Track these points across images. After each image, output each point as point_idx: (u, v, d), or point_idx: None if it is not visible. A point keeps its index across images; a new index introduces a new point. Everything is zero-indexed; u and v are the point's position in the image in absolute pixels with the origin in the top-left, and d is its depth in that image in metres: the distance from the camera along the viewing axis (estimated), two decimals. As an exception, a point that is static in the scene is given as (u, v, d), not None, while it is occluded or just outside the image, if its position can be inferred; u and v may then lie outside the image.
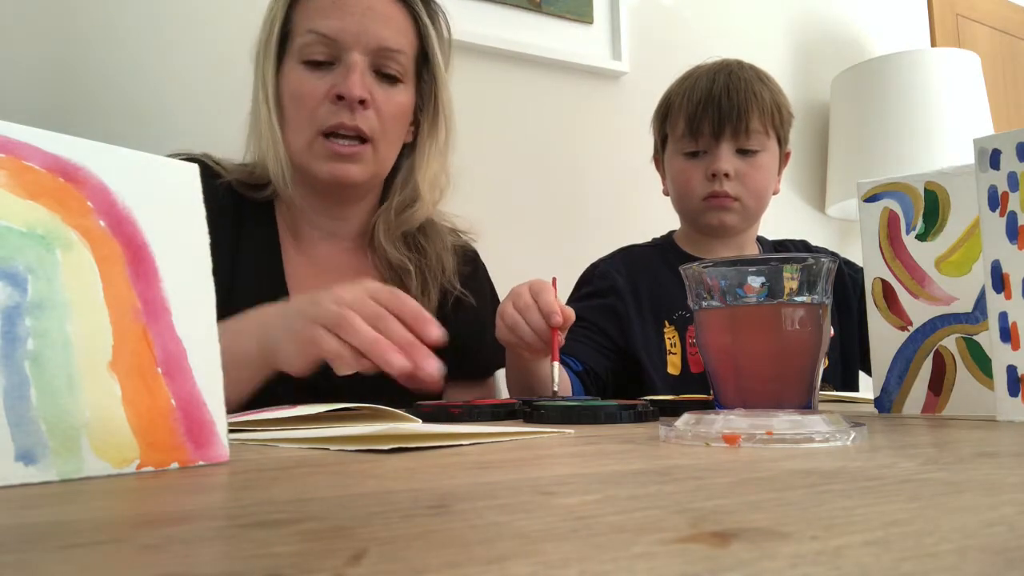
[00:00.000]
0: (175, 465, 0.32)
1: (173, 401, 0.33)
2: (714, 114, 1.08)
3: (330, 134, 0.86)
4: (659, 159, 1.22)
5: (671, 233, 1.24)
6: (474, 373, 1.01)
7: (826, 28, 2.17)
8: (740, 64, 1.13)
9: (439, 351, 0.95)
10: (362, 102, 0.85)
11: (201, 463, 0.33)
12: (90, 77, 1.19)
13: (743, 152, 1.09)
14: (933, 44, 2.40)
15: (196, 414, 0.34)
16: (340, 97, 0.85)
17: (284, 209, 0.96)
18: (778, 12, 2.08)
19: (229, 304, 0.85)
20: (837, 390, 1.09)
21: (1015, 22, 2.73)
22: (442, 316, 0.95)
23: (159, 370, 0.33)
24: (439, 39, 0.94)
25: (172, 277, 0.34)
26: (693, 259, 1.16)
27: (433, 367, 0.58)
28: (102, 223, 0.32)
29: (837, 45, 2.16)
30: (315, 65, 0.86)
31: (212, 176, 0.90)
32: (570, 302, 1.13)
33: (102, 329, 0.31)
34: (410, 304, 0.61)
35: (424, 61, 0.93)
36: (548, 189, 1.68)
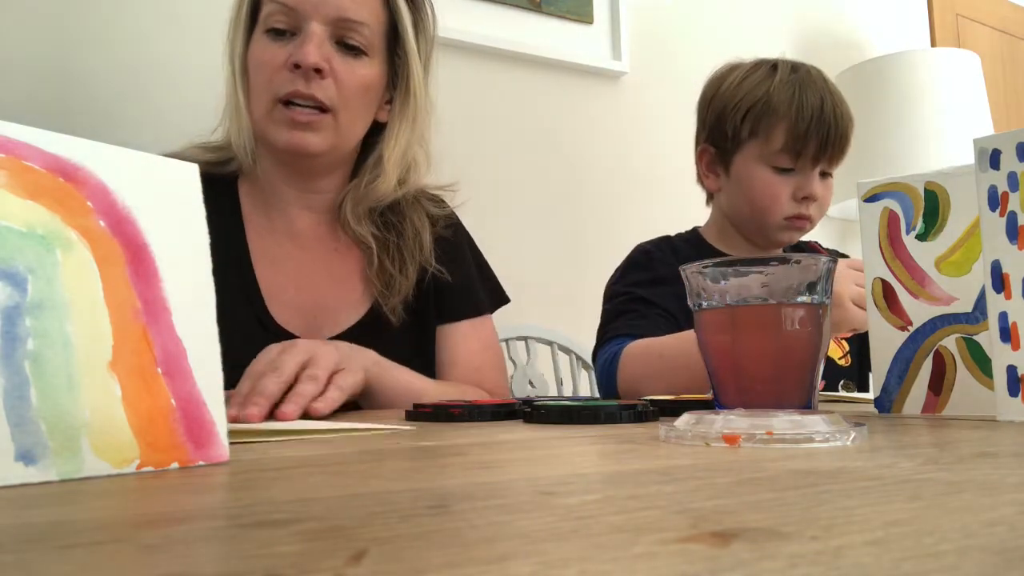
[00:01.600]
0: (175, 465, 0.32)
1: (173, 401, 0.33)
2: (823, 136, 1.04)
3: (288, 102, 0.86)
4: (711, 152, 1.14)
5: (695, 229, 1.22)
6: (464, 314, 1.01)
7: (826, 28, 2.17)
8: (829, 80, 1.09)
9: (428, 304, 0.98)
10: (318, 71, 0.85)
11: (201, 463, 0.33)
12: (89, 77, 1.19)
13: (823, 174, 1.08)
14: (933, 44, 2.40)
15: (196, 414, 0.34)
16: (297, 66, 0.85)
17: (252, 183, 0.96)
18: (778, 12, 2.08)
19: None
20: (860, 389, 1.09)
21: (1015, 22, 2.73)
22: (419, 292, 0.97)
23: (159, 370, 0.33)
24: (414, 18, 0.93)
25: (172, 277, 0.34)
26: (722, 255, 1.15)
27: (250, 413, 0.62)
28: (102, 223, 0.32)
29: (837, 45, 2.16)
30: (277, 34, 0.87)
31: None
32: (628, 286, 1.10)
33: (102, 329, 0.31)
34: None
35: (396, 38, 0.93)
36: (548, 189, 1.68)
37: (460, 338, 1.00)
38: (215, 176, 0.93)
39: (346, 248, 0.97)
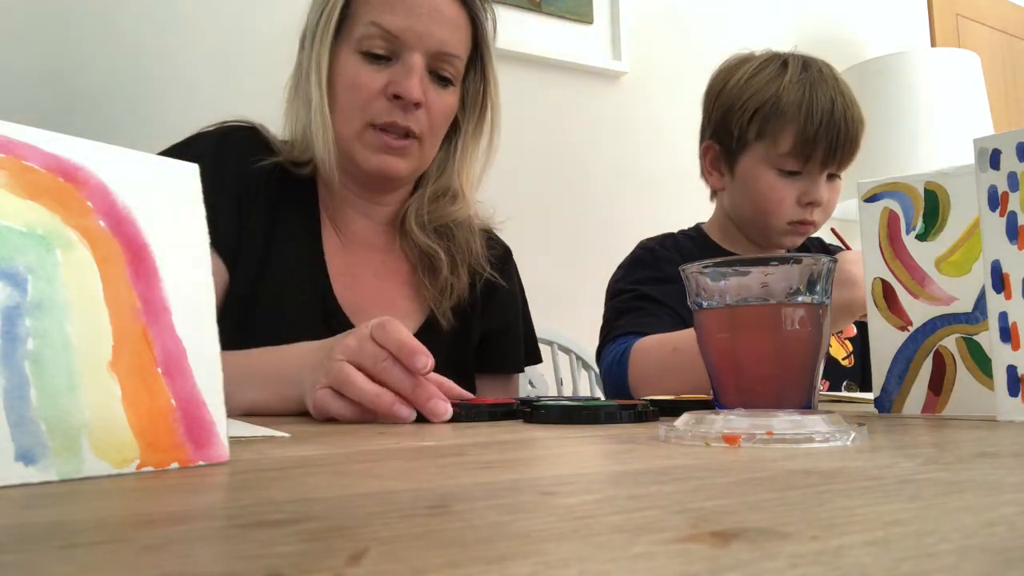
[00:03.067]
0: (175, 465, 0.32)
1: (173, 401, 0.33)
2: (832, 140, 1.01)
3: (380, 128, 0.87)
4: (716, 150, 1.12)
5: (699, 225, 1.21)
6: (501, 368, 1.02)
7: (826, 28, 2.17)
8: (840, 79, 1.06)
9: (469, 347, 0.97)
10: (417, 104, 0.86)
11: (201, 463, 0.33)
12: (90, 77, 1.19)
13: (830, 176, 1.06)
14: (933, 44, 2.40)
15: (196, 414, 0.34)
16: (397, 96, 0.85)
17: (322, 187, 0.96)
18: (778, 12, 2.08)
19: (265, 279, 0.87)
20: (863, 390, 1.08)
21: (1015, 22, 2.73)
22: (472, 300, 0.97)
23: (159, 370, 0.33)
24: (492, 42, 0.95)
25: (172, 277, 0.34)
26: (726, 252, 1.14)
27: (440, 410, 0.57)
28: (102, 223, 0.32)
29: (837, 45, 2.16)
30: (373, 58, 0.87)
31: (266, 147, 0.91)
32: (632, 283, 1.08)
33: (102, 329, 0.31)
34: (395, 338, 0.58)
35: (471, 62, 0.94)
36: (548, 189, 1.68)
37: (492, 395, 1.00)
38: (296, 175, 0.92)
39: (394, 262, 0.96)
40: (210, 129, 0.92)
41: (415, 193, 0.97)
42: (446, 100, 0.90)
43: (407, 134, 0.88)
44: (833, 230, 1.11)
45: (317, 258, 0.91)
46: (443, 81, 0.89)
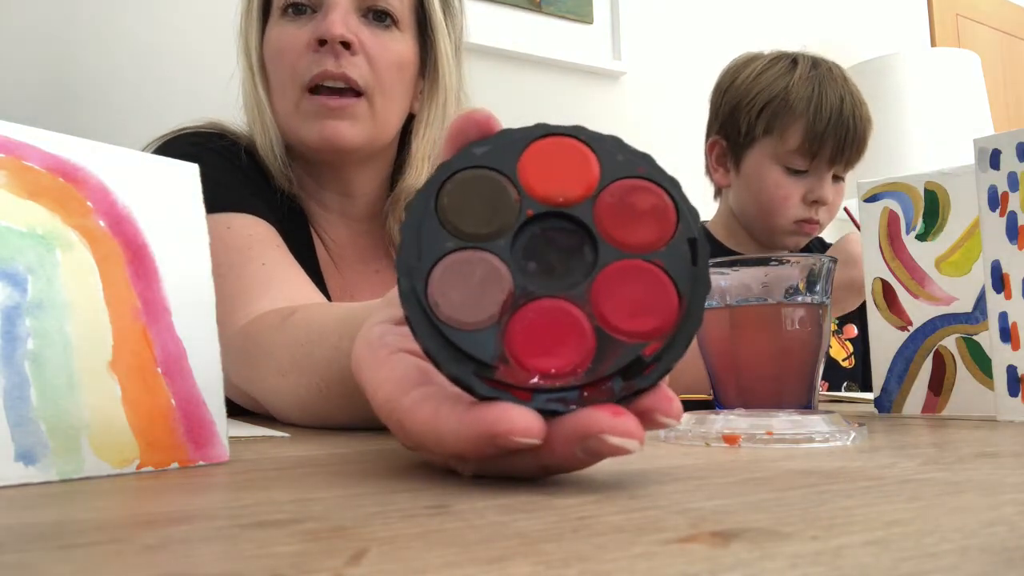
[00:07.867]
0: (175, 465, 0.32)
1: (173, 401, 0.33)
2: (840, 138, 1.01)
3: (318, 89, 0.76)
4: (723, 146, 1.11)
5: (702, 224, 1.20)
6: None
7: (826, 28, 2.17)
8: (850, 80, 1.06)
9: None
10: (347, 45, 0.74)
11: (201, 463, 0.33)
12: (90, 76, 1.19)
13: (835, 177, 1.06)
14: (933, 44, 2.40)
15: (196, 414, 0.34)
16: (322, 42, 0.74)
17: (304, 196, 0.86)
18: (778, 12, 2.08)
19: None
20: (864, 391, 1.08)
21: (1015, 22, 2.73)
22: None
23: (159, 370, 0.33)
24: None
25: (172, 277, 0.34)
26: (730, 252, 1.13)
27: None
28: (102, 223, 0.32)
29: (837, 45, 2.16)
30: (297, 12, 0.77)
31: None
32: None
33: (102, 329, 0.31)
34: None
35: (424, 21, 0.83)
36: (548, 189, 1.68)
37: None
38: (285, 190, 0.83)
39: (388, 272, 0.88)
40: (192, 131, 0.83)
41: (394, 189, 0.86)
42: (390, 46, 0.78)
43: (348, 88, 0.76)
44: (846, 209, 1.11)
45: (317, 282, 0.81)
46: (382, 21, 0.78)
